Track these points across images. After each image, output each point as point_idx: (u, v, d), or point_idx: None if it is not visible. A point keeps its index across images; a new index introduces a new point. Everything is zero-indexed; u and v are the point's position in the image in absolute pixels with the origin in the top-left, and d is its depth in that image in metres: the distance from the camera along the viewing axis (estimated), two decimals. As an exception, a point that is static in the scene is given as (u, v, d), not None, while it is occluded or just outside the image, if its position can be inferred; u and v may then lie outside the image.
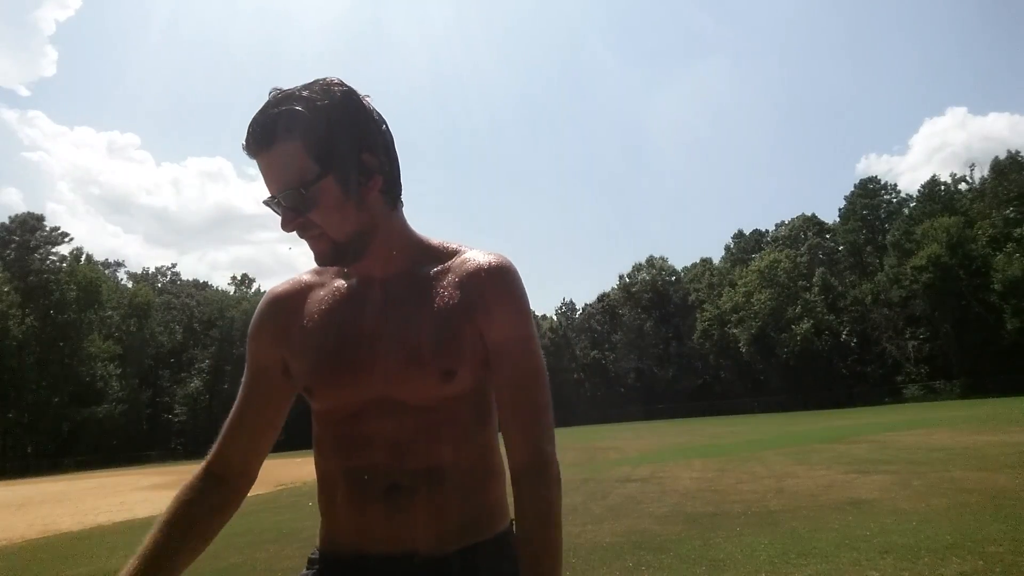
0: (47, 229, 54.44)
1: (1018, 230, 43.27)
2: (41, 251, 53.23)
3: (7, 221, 53.38)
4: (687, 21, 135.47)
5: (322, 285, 1.07)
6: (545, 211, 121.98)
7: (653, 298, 63.35)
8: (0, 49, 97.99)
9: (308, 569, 1.07)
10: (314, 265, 1.04)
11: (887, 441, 13.07)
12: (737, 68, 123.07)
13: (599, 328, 66.76)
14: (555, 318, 72.38)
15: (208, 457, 1.09)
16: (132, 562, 0.98)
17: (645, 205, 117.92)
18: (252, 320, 1.10)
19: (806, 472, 9.24)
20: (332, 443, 1.02)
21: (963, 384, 42.63)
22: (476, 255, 1.04)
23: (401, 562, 0.95)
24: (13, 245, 52.34)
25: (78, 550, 7.83)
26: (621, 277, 67.95)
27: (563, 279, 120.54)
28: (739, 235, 67.27)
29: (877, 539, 4.91)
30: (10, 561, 7.38)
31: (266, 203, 0.97)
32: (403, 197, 1.04)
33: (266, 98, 0.95)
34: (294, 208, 0.94)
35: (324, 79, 0.98)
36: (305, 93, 0.94)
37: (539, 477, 0.99)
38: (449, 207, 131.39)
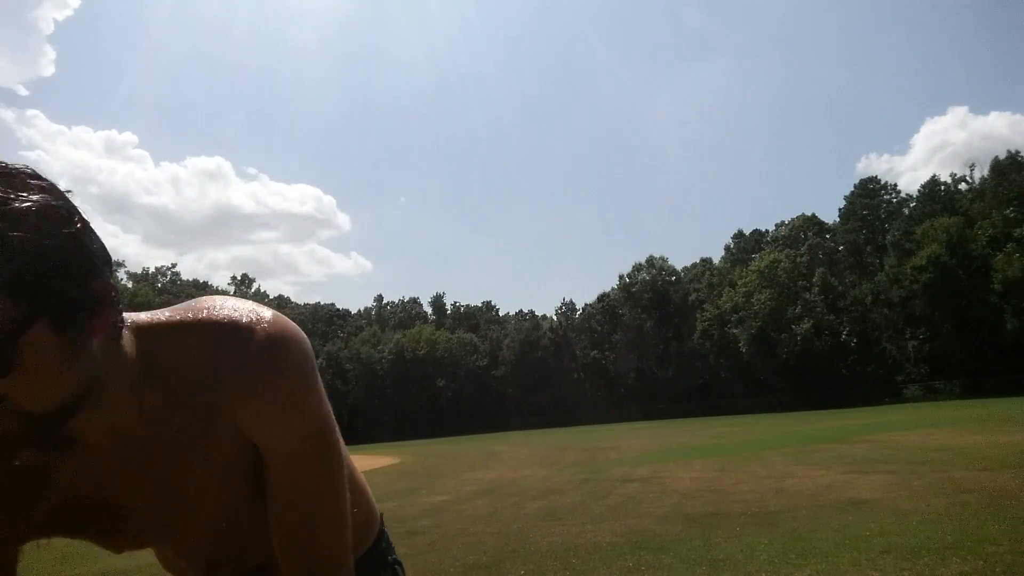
0: (47, 229, 54.56)
1: (1018, 230, 43.25)
2: (41, 251, 53.33)
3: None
4: (687, 21, 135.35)
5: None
6: (545, 211, 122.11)
7: (653, 298, 63.35)
8: None
9: None
10: None
11: (887, 441, 13.07)
12: (737, 68, 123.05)
13: (599, 328, 66.77)
14: (555, 318, 72.43)
15: None
16: None
17: (645, 205, 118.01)
18: None
19: (806, 472, 9.24)
20: (174, 554, 0.91)
21: (963, 384, 42.63)
22: (223, 335, 0.75)
23: None
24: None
25: (78, 550, 7.82)
26: (621, 277, 67.99)
27: (563, 279, 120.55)
28: (739, 235, 67.29)
29: (877, 539, 4.91)
30: (10, 561, 7.37)
31: None
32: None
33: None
34: None
35: (8, 170, 0.63)
36: None
37: None
38: (449, 207, 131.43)
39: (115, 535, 0.81)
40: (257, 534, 0.83)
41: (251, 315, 0.76)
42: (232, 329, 0.75)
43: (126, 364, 0.72)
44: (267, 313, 0.77)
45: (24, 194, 0.61)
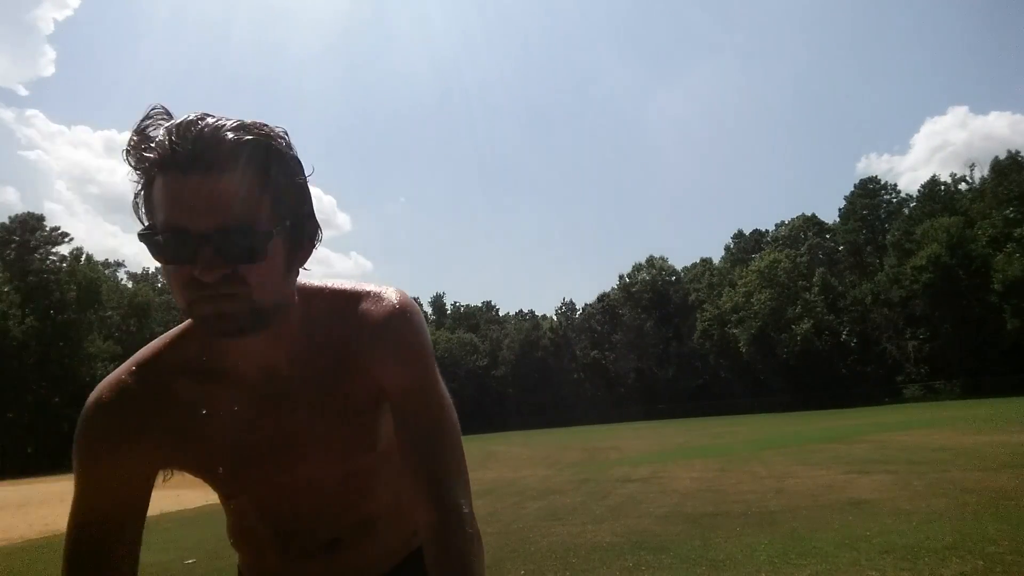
0: (47, 229, 54.45)
1: (1018, 230, 43.25)
2: (41, 251, 53.25)
3: (7, 221, 53.43)
4: (688, 21, 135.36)
5: (187, 377, 0.88)
6: (545, 211, 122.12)
7: (653, 298, 63.34)
8: None
9: None
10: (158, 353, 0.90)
11: (887, 441, 13.07)
12: (737, 68, 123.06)
13: (599, 328, 66.75)
14: (555, 318, 72.39)
15: None
16: None
17: (645, 205, 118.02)
18: (84, 436, 0.86)
19: (806, 472, 9.24)
20: (257, 517, 1.00)
21: (963, 384, 42.62)
22: (364, 303, 0.92)
23: None
24: (13, 245, 52.33)
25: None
26: (621, 277, 67.99)
27: (563, 279, 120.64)
28: (739, 235, 67.27)
29: (877, 539, 4.91)
30: (10, 561, 7.37)
31: (174, 232, 0.72)
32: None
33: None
34: (233, 252, 0.72)
35: (269, 127, 0.79)
36: (267, 129, 0.77)
37: (454, 535, 0.84)
38: (449, 207, 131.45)
39: (241, 472, 0.91)
40: (349, 499, 0.97)
41: (386, 288, 0.94)
42: (374, 297, 0.92)
43: (293, 304, 0.86)
44: (394, 289, 0.94)
45: (283, 141, 0.79)
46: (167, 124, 0.74)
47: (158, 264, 0.77)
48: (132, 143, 0.76)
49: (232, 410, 0.88)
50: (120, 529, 0.84)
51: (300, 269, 0.85)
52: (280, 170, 0.77)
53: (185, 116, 0.74)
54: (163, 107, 0.78)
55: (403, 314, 0.91)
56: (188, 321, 0.88)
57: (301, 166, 0.80)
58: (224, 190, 0.72)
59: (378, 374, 0.90)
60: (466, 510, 0.87)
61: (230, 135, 0.73)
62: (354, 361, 0.90)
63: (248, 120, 0.77)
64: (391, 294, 0.93)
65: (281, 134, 0.79)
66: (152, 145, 0.74)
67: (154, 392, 0.87)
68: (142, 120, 0.77)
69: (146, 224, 0.77)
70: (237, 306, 0.75)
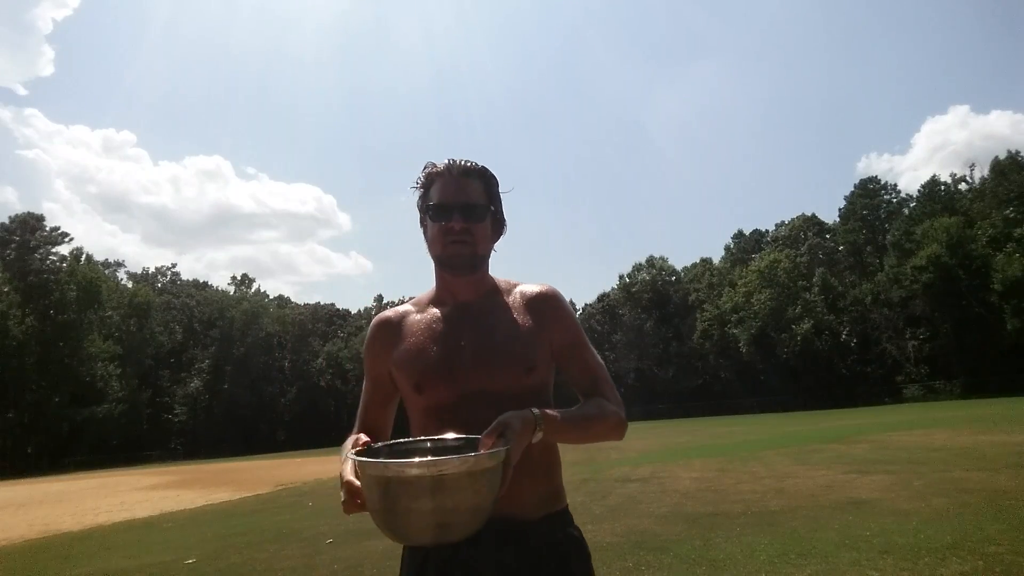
0: (47, 229, 54.43)
1: (1018, 230, 43.23)
2: (41, 251, 53.21)
3: (7, 221, 53.41)
4: (687, 20, 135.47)
5: (422, 311, 1.41)
6: (545, 211, 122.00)
7: (653, 298, 63.30)
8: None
9: None
10: (417, 296, 1.46)
11: (887, 441, 13.06)
12: (737, 67, 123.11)
13: (599, 328, 66.68)
14: (555, 318, 72.25)
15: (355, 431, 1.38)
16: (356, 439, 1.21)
17: (645, 205, 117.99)
18: (367, 338, 1.45)
19: (806, 472, 9.24)
20: (436, 430, 1.26)
21: (963, 384, 42.58)
22: (534, 286, 1.43)
23: (499, 523, 1.16)
24: (13, 245, 52.31)
25: (78, 550, 7.83)
26: (621, 277, 67.93)
27: (563, 279, 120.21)
28: (739, 235, 67.24)
29: (877, 539, 4.91)
30: (10, 561, 7.38)
31: (444, 205, 1.33)
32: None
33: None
34: (472, 215, 1.33)
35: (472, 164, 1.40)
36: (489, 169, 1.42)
37: (619, 414, 1.35)
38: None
39: (435, 371, 1.31)
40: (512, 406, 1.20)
41: (546, 284, 1.44)
42: (546, 287, 1.43)
43: (488, 264, 1.42)
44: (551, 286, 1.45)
45: (495, 177, 1.42)
46: (441, 161, 1.39)
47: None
48: (420, 178, 1.40)
49: (442, 327, 1.36)
50: (379, 397, 1.43)
51: (491, 249, 1.41)
52: (492, 184, 1.40)
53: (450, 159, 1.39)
54: (432, 162, 1.39)
55: (562, 296, 1.44)
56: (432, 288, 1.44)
57: (498, 184, 1.41)
58: (468, 187, 1.35)
59: (553, 329, 1.37)
60: (621, 412, 1.35)
61: (472, 164, 1.38)
62: (534, 314, 1.37)
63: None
64: (550, 285, 1.44)
65: (496, 179, 1.42)
66: (433, 169, 1.38)
67: (403, 316, 1.42)
68: (425, 173, 1.40)
69: (421, 211, 1.39)
70: (467, 250, 1.33)
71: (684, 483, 9.20)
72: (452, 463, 0.94)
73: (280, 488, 14.92)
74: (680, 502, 7.54)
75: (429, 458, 0.99)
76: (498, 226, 1.40)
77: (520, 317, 1.36)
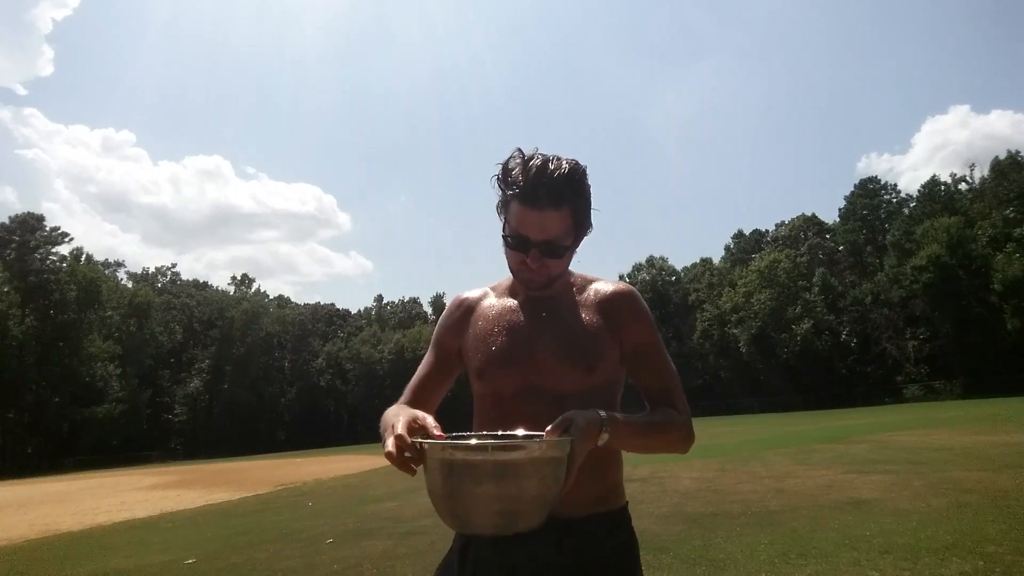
0: (47, 229, 54.43)
1: (1018, 230, 43.23)
2: (41, 251, 53.21)
3: (7, 221, 53.40)
4: (687, 20, 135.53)
5: (498, 297, 1.40)
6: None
7: (653, 298, 63.23)
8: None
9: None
10: (496, 281, 1.44)
11: (887, 441, 13.06)
12: (737, 67, 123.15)
13: (599, 328, 66.76)
14: (555, 318, 72.27)
15: (399, 402, 1.36)
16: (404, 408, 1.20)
17: (645, 205, 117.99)
18: (443, 313, 1.45)
19: (806, 472, 9.23)
20: (489, 422, 1.28)
21: (963, 384, 42.57)
22: (610, 284, 1.39)
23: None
24: (13, 245, 52.30)
25: (78, 550, 7.82)
26: (621, 277, 67.79)
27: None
28: (739, 235, 67.26)
29: (877, 539, 4.91)
30: (10, 561, 7.38)
31: (522, 239, 1.24)
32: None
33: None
34: (552, 254, 1.25)
35: (582, 168, 1.26)
36: (578, 166, 1.24)
37: (688, 427, 1.35)
38: (447, 206, 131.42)
39: (497, 359, 1.30)
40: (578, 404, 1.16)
41: (624, 283, 1.41)
42: (623, 286, 1.39)
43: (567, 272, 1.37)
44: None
45: (588, 185, 1.29)
46: (520, 162, 1.21)
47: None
48: (499, 174, 1.25)
49: (512, 316, 1.35)
50: (438, 372, 1.41)
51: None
52: (582, 208, 1.26)
53: (533, 158, 1.21)
54: (520, 150, 1.24)
55: (639, 296, 1.39)
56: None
57: (590, 199, 1.28)
58: (551, 221, 1.22)
59: (622, 331, 1.32)
60: (690, 424, 1.35)
61: (561, 184, 1.20)
62: (606, 313, 1.33)
63: (569, 164, 1.22)
64: (628, 284, 1.41)
65: (586, 176, 1.26)
66: (510, 179, 1.23)
67: (480, 299, 1.42)
68: (508, 159, 1.24)
69: (502, 219, 1.28)
70: (541, 278, 1.28)
71: (684, 483, 9.20)
72: (517, 450, 0.95)
73: (280, 488, 14.92)
74: (680, 502, 7.54)
75: (494, 442, 0.98)
76: (582, 234, 1.30)
77: (590, 315, 1.32)
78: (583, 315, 1.32)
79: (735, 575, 4.38)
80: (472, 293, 1.44)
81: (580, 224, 1.27)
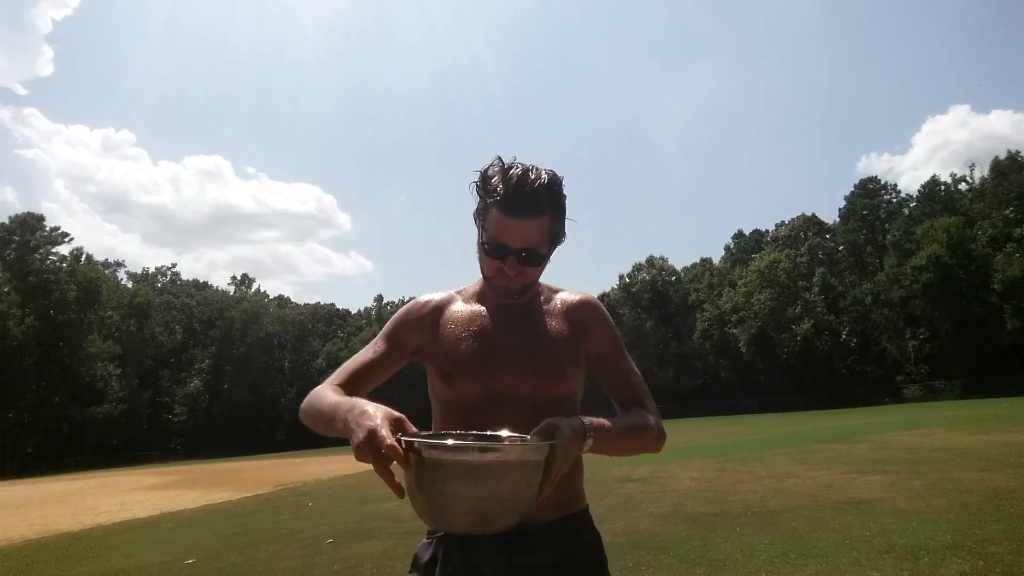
0: (47, 229, 54.44)
1: (1018, 230, 43.22)
2: (41, 251, 53.21)
3: (7, 221, 53.42)
4: (687, 20, 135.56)
5: (465, 302, 1.40)
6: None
7: (653, 298, 63.30)
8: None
9: (427, 538, 1.37)
10: (462, 286, 1.44)
11: (887, 441, 13.06)
12: (737, 67, 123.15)
13: (599, 328, 66.76)
14: (555, 318, 72.21)
15: (331, 382, 1.31)
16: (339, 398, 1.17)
17: (645, 205, 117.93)
18: (403, 309, 1.43)
19: (806, 472, 9.24)
20: (453, 427, 1.27)
21: (963, 384, 42.58)
22: (575, 294, 1.42)
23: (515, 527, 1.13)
24: (13, 245, 52.32)
25: (78, 550, 7.83)
26: (621, 277, 67.88)
27: (563, 279, 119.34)
28: (739, 235, 67.24)
29: (877, 539, 4.91)
30: (10, 561, 7.38)
31: (500, 247, 1.24)
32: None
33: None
34: (530, 262, 1.26)
35: (559, 180, 1.26)
36: (556, 177, 1.25)
37: (660, 427, 1.36)
38: (447, 206, 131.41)
39: (465, 364, 1.29)
40: (533, 425, 1.14)
41: (585, 293, 1.43)
42: (587, 296, 1.42)
43: (538, 281, 1.37)
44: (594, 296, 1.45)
45: (565, 196, 1.28)
46: (500, 170, 1.22)
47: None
48: (478, 182, 1.25)
49: (481, 323, 1.34)
50: (383, 363, 1.35)
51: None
52: (559, 218, 1.27)
53: (513, 167, 1.22)
54: (500, 158, 1.24)
55: (601, 305, 1.43)
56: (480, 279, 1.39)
57: (566, 209, 1.28)
58: (529, 230, 1.22)
59: (587, 340, 1.36)
60: (660, 422, 1.36)
61: (541, 193, 1.21)
62: (572, 322, 1.36)
63: (548, 174, 1.23)
64: (590, 294, 1.44)
65: (563, 186, 1.26)
66: (489, 187, 1.22)
67: (446, 302, 1.40)
68: (487, 167, 1.24)
69: (479, 226, 1.28)
70: (517, 285, 1.28)
71: (684, 483, 9.20)
72: (495, 450, 0.96)
73: (280, 488, 14.91)
74: (680, 502, 7.54)
75: (472, 442, 0.99)
76: (556, 243, 1.31)
77: (558, 324, 1.34)
78: (551, 323, 1.35)
79: (735, 575, 4.38)
80: (437, 296, 1.43)
81: (556, 234, 1.28)
